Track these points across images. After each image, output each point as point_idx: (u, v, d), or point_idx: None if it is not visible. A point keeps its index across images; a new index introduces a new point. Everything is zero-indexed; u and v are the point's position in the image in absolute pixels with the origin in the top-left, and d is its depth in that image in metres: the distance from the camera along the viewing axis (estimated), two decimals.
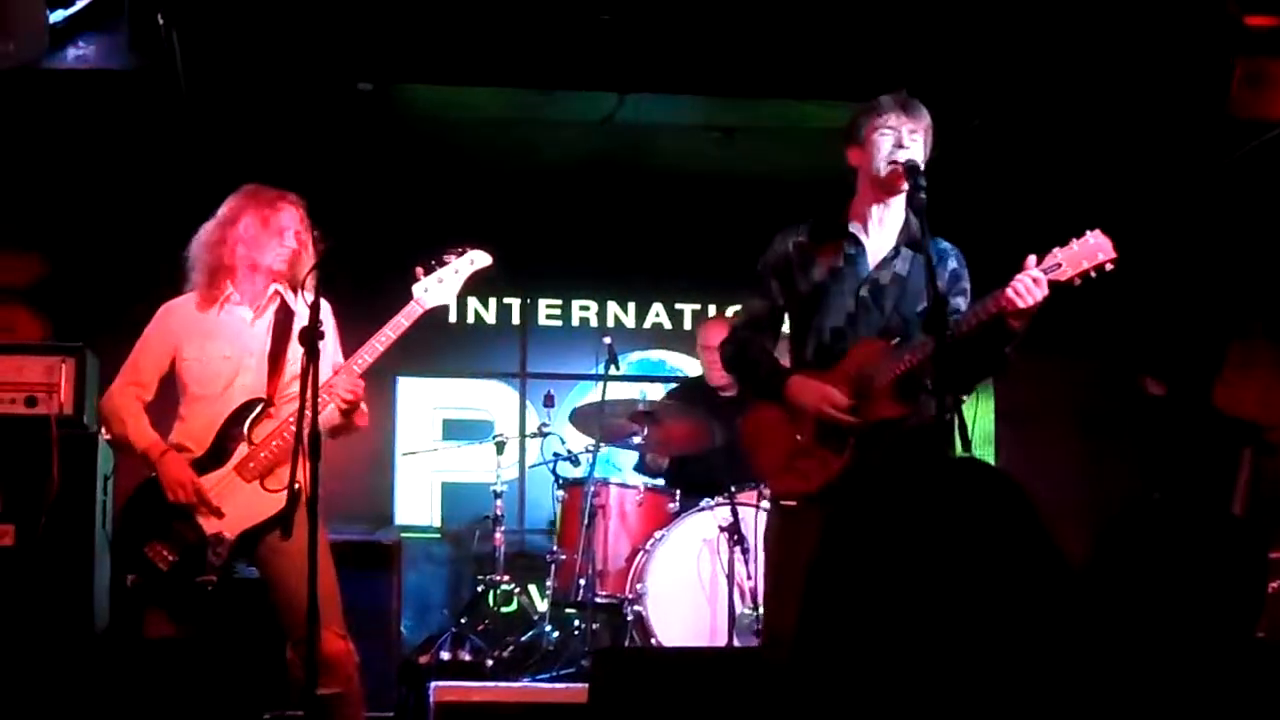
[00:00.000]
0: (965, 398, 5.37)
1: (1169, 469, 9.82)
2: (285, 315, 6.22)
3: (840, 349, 5.45)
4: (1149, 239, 5.33)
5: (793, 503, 5.43)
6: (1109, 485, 9.82)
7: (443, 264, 6.23)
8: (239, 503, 5.96)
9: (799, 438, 5.43)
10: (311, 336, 5.39)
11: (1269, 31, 8.15)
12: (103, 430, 7.69)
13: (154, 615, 6.13)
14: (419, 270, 6.19)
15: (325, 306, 6.09)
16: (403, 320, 6.10)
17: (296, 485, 5.66)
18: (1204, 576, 2.86)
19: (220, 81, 8.55)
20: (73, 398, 7.40)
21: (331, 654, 5.87)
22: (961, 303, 5.45)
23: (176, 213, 9.93)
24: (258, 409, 6.09)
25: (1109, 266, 5.20)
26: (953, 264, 5.55)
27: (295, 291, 6.18)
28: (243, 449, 6.05)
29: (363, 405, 6.17)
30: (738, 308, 6.10)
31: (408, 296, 6.25)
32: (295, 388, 5.88)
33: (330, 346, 6.19)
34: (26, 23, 7.60)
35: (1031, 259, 5.18)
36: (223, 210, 6.32)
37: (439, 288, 6.18)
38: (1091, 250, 5.19)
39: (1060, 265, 5.18)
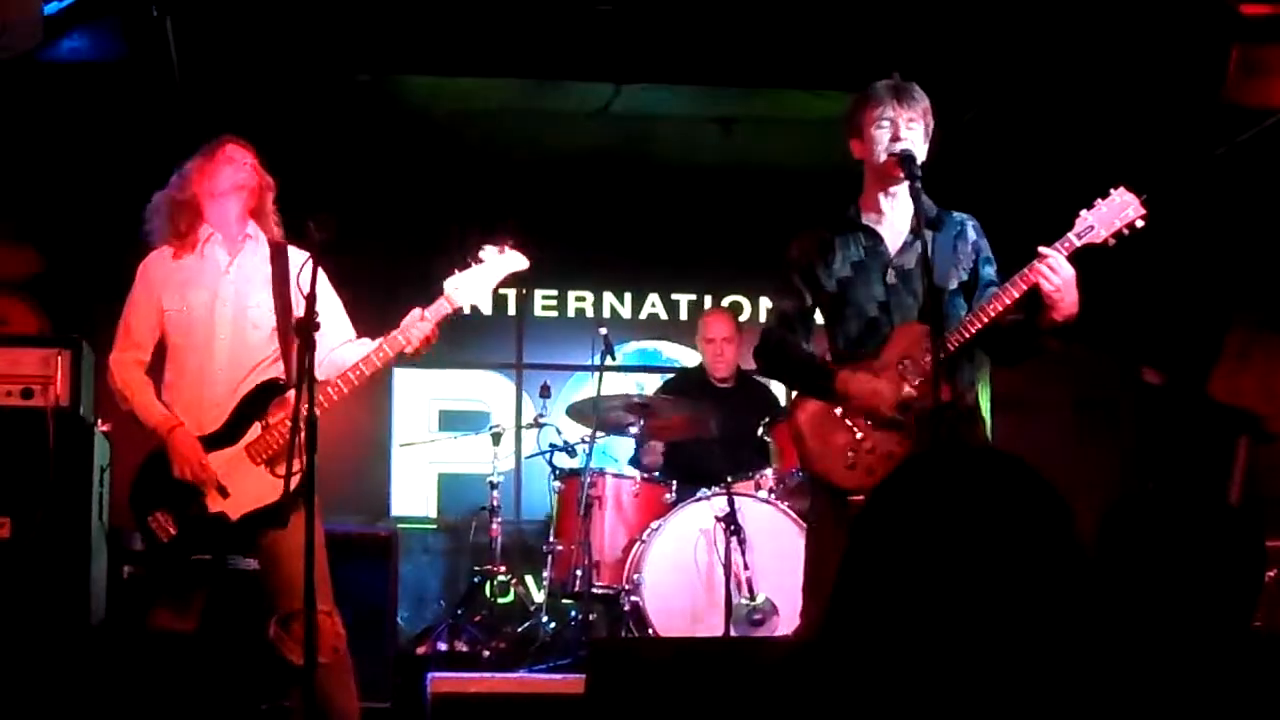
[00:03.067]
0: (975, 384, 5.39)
1: (1166, 458, 9.82)
2: (280, 259, 6.10)
3: (878, 338, 5.45)
4: (1146, 227, 5.31)
5: (859, 498, 5.37)
6: (1105, 474, 9.82)
7: (478, 260, 6.12)
8: (245, 485, 5.89)
9: (858, 434, 5.40)
10: (307, 327, 5.35)
11: (1265, 19, 8.16)
12: (99, 422, 7.70)
13: (161, 608, 6.09)
14: (454, 268, 6.12)
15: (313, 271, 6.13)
16: (429, 315, 6.02)
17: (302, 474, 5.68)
18: (1201, 566, 2.86)
19: (215, 73, 8.54)
20: (69, 390, 7.37)
21: (319, 629, 5.87)
22: (990, 271, 5.46)
23: None
24: (279, 389, 5.98)
25: (1140, 223, 5.20)
26: (972, 235, 5.56)
27: (271, 245, 6.13)
28: (255, 430, 5.96)
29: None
30: (767, 309, 6.06)
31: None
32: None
33: (330, 297, 6.12)
34: (21, 14, 7.59)
35: (1044, 250, 5.19)
36: (193, 172, 6.19)
37: (471, 286, 6.08)
38: (1120, 208, 5.20)
39: (1093, 227, 5.19)
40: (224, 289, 6.08)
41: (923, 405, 5.30)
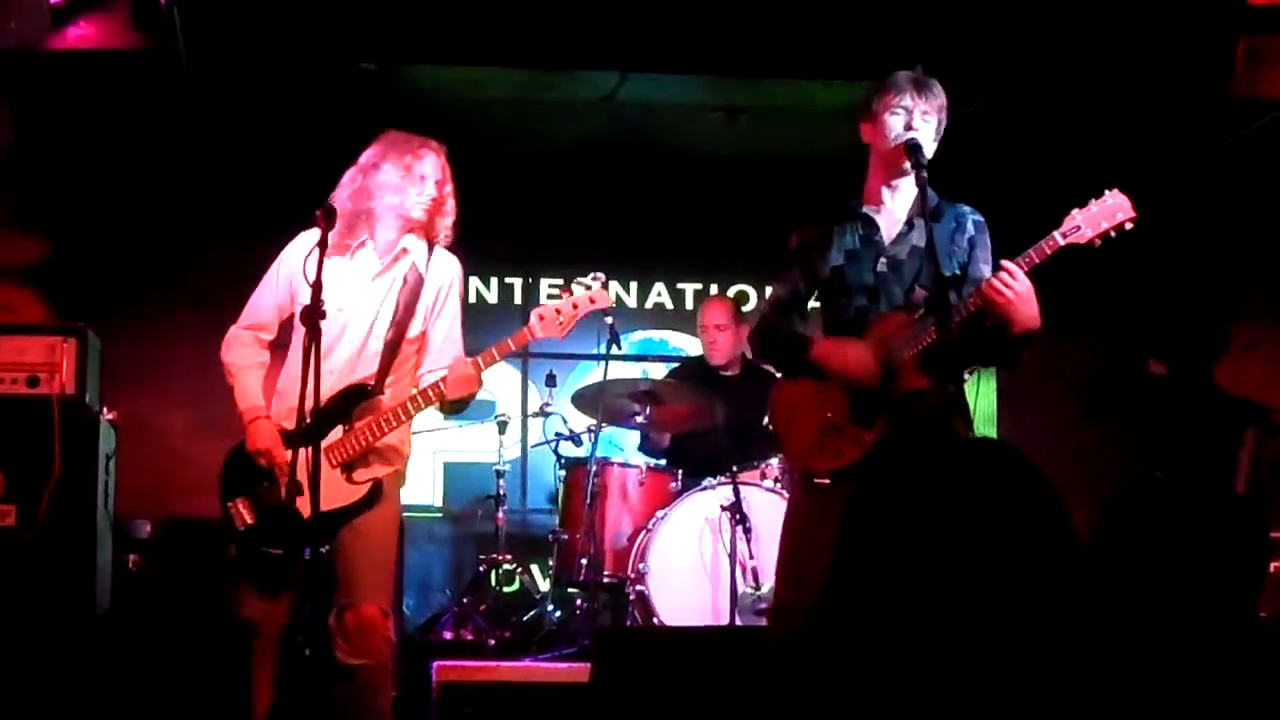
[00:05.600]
0: (966, 377, 5.37)
1: (1171, 449, 9.82)
2: (415, 282, 6.09)
3: (865, 325, 5.44)
4: (1152, 219, 5.30)
5: (825, 480, 5.40)
6: (1111, 465, 9.82)
7: (569, 291, 6.14)
8: (321, 487, 5.83)
9: (830, 415, 5.39)
10: (313, 316, 5.33)
11: (1272, 10, 8.15)
12: (105, 410, 7.71)
13: (247, 595, 6.04)
14: (549, 295, 6.14)
15: (458, 269, 6.22)
16: (510, 344, 6.07)
17: (376, 476, 5.92)
18: (1206, 556, 2.86)
19: (222, 61, 8.54)
20: (74, 378, 7.40)
21: (367, 621, 5.88)
22: (985, 269, 5.43)
23: (178, 192, 9.99)
24: (366, 394, 5.95)
25: (1128, 226, 5.19)
26: (970, 230, 5.53)
27: (429, 249, 6.14)
28: (338, 432, 5.89)
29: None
30: (758, 301, 6.07)
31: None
32: (404, 355, 6.05)
33: (450, 314, 6.21)
34: (28, 2, 7.59)
35: (1004, 263, 5.18)
36: (364, 157, 6.16)
37: (555, 320, 6.09)
38: (1110, 210, 5.19)
39: (1079, 227, 5.17)
40: (364, 298, 6.00)
41: (896, 393, 5.31)
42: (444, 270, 6.18)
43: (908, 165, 5.36)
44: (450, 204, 6.17)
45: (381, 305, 6.05)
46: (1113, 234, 5.19)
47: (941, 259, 5.26)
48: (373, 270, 6.04)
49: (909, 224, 5.49)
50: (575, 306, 6.12)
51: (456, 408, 6.14)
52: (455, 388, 5.94)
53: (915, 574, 2.24)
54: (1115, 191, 5.24)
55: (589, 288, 6.18)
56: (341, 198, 6.07)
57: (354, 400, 5.92)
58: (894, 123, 5.41)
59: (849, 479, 5.29)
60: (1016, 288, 5.12)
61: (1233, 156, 9.43)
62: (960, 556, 2.23)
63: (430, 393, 5.93)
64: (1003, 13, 8.31)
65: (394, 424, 5.93)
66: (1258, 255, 10.01)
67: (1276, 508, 8.51)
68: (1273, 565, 6.46)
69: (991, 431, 10.30)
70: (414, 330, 6.07)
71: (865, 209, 5.57)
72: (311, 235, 5.93)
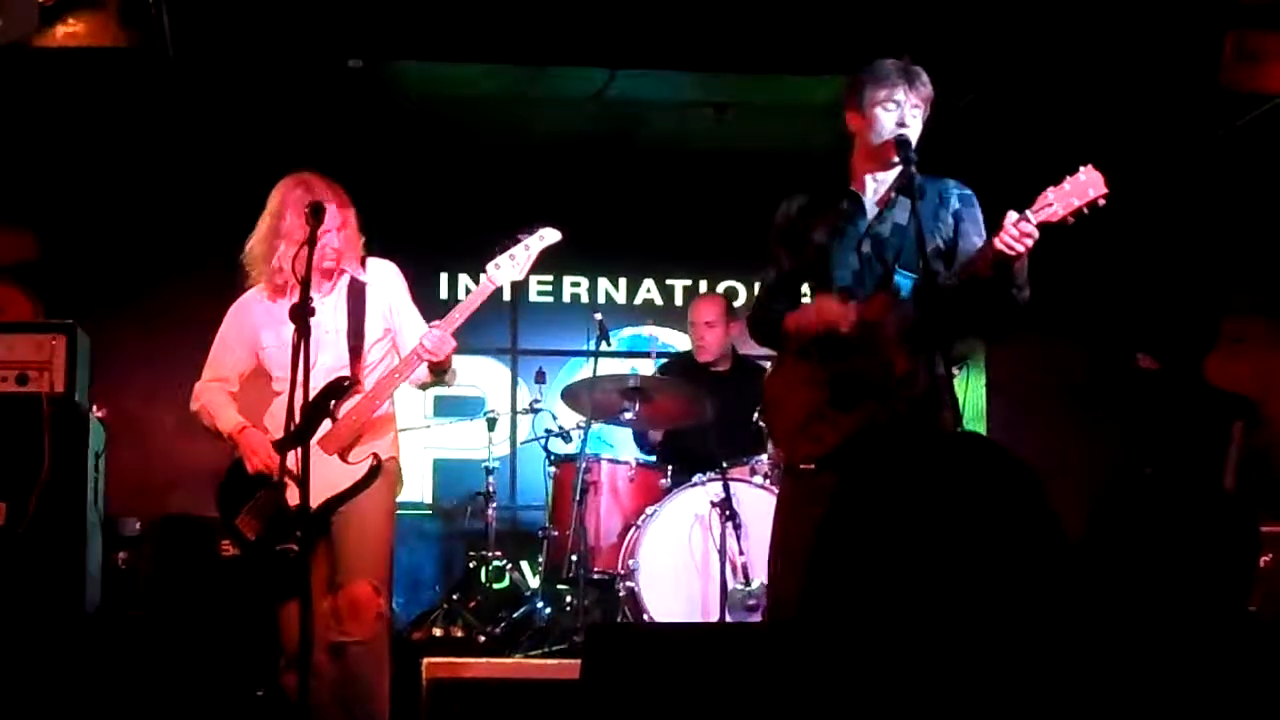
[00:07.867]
0: (956, 371, 5.35)
1: (1160, 443, 9.83)
2: (357, 290, 6.29)
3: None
4: (1141, 213, 5.29)
5: (810, 466, 5.40)
6: (1100, 460, 9.82)
7: (515, 242, 6.34)
8: (321, 474, 5.86)
9: (814, 400, 5.38)
10: (303, 313, 5.43)
11: (1261, 5, 8.16)
12: (95, 408, 7.69)
13: (284, 611, 6.11)
14: (496, 250, 6.34)
15: (394, 270, 6.43)
16: (475, 299, 6.31)
17: (372, 457, 6.14)
18: (1195, 551, 2.86)
19: (210, 59, 8.53)
20: (64, 375, 7.40)
21: (360, 598, 6.01)
22: (976, 241, 5.41)
23: (168, 190, 9.97)
24: (344, 388, 6.12)
25: (1101, 202, 5.14)
26: (955, 204, 5.51)
27: (362, 265, 6.34)
28: (326, 425, 6.08)
29: (453, 365, 6.40)
30: (747, 297, 6.05)
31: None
32: (376, 355, 6.27)
33: (408, 311, 6.41)
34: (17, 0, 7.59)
35: (1011, 214, 5.13)
36: (266, 218, 6.25)
37: (510, 264, 6.32)
38: (1083, 187, 5.13)
39: (1051, 204, 5.12)
40: (317, 321, 5.98)
41: (879, 373, 5.29)
42: (383, 274, 6.42)
43: (896, 159, 5.37)
44: (354, 229, 6.34)
45: (335, 319, 6.24)
46: (1085, 210, 5.15)
47: (925, 236, 5.26)
48: (317, 297, 6.12)
49: (891, 201, 5.48)
50: (528, 248, 6.36)
51: (440, 372, 6.35)
52: (433, 347, 6.11)
53: (898, 568, 2.24)
54: (1089, 167, 5.18)
55: (532, 232, 6.41)
56: (255, 259, 6.31)
57: (333, 394, 6.10)
58: (886, 119, 5.40)
59: (831, 465, 5.30)
60: (1028, 243, 5.09)
61: (1224, 150, 9.44)
62: (943, 550, 2.23)
63: (412, 358, 6.15)
64: (993, 6, 8.32)
65: (379, 400, 6.19)
66: (1248, 249, 10.01)
67: (1265, 502, 8.53)
68: (1262, 560, 6.47)
69: (981, 427, 10.30)
70: (373, 331, 6.30)
71: (851, 187, 5.57)
72: (251, 297, 6.38)
